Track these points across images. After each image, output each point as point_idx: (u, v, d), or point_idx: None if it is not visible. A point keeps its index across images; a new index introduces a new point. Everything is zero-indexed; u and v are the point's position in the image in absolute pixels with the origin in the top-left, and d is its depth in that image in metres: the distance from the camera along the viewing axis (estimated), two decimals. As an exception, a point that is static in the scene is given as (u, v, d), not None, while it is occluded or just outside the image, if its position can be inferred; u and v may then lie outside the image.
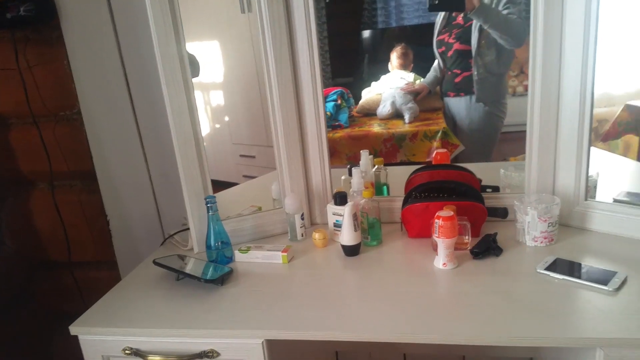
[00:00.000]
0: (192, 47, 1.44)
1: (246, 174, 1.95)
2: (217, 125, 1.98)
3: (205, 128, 1.95)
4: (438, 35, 1.87)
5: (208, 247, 1.29)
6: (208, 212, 1.27)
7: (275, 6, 1.27)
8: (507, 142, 1.87)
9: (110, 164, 1.63)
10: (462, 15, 1.78)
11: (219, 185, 1.97)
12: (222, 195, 1.62)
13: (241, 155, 1.94)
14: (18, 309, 1.80)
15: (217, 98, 1.90)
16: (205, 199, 1.27)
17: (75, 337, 1.08)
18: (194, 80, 1.73)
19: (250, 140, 1.91)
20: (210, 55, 1.73)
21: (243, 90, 1.85)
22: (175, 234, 1.48)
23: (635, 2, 1.21)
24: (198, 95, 1.88)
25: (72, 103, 1.59)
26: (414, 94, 2.03)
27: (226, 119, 1.94)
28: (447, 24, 1.83)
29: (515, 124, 1.79)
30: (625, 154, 1.79)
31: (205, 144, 1.93)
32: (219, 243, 1.29)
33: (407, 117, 1.98)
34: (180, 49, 1.23)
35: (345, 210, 1.24)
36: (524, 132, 1.32)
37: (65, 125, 1.63)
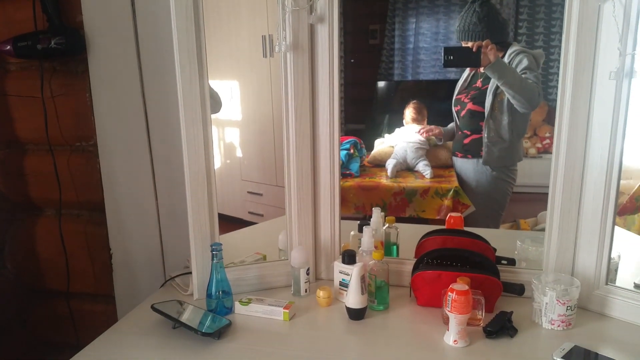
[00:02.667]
0: (213, 84, 1.45)
1: (252, 210, 1.93)
2: (228, 161, 1.98)
3: (216, 162, 1.96)
4: (457, 94, 1.86)
5: (209, 295, 1.25)
6: (212, 259, 1.23)
7: (301, 59, 1.27)
8: (518, 203, 1.82)
9: (120, 198, 1.61)
10: (481, 79, 1.78)
11: (223, 220, 1.95)
12: (227, 238, 1.59)
13: (249, 192, 1.93)
14: (9, 336, 1.75)
15: (232, 135, 1.90)
16: (211, 245, 1.24)
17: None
18: (213, 116, 1.75)
19: (259, 178, 1.91)
20: (229, 94, 1.75)
21: (258, 130, 1.85)
22: (176, 276, 1.44)
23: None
24: (213, 130, 1.90)
25: (89, 135, 1.59)
26: (425, 150, 2.01)
27: (238, 155, 1.94)
28: (468, 86, 1.83)
29: (526, 185, 1.75)
30: (641, 230, 1.73)
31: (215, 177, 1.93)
32: (220, 292, 1.25)
33: (427, 173, 1.95)
34: (203, 90, 1.23)
35: (354, 272, 1.19)
36: (535, 194, 1.27)
37: (80, 155, 1.63)
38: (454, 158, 1.92)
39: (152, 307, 1.20)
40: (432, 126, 1.93)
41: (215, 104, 1.60)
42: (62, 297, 1.75)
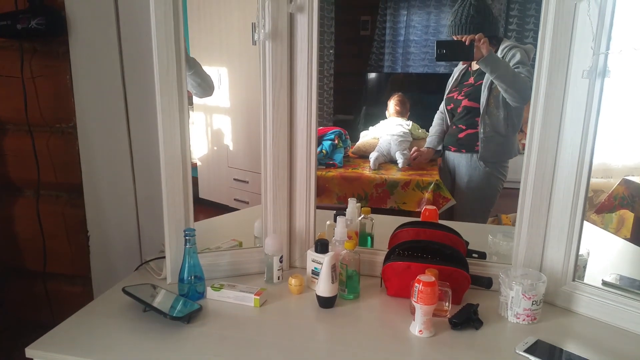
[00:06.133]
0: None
1: (238, 197, 1.94)
2: (215, 148, 1.98)
3: (203, 149, 1.96)
4: (448, 93, 1.87)
5: (181, 280, 1.25)
6: (185, 244, 1.24)
7: (280, 47, 1.27)
8: (503, 198, 1.84)
9: (98, 181, 1.61)
10: (473, 76, 1.78)
11: (209, 206, 1.95)
12: (206, 223, 1.60)
13: (235, 179, 1.94)
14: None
15: (219, 121, 1.90)
16: (185, 231, 1.24)
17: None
18: (202, 100, 1.74)
19: (245, 165, 1.91)
20: (217, 80, 1.74)
21: (246, 117, 1.85)
22: (150, 260, 1.44)
23: None
24: (200, 116, 1.90)
25: (68, 116, 1.58)
26: (409, 142, 2.02)
27: (225, 142, 1.94)
28: (459, 84, 1.83)
29: (511, 180, 1.77)
30: (618, 229, 1.76)
31: (200, 164, 1.93)
32: (192, 277, 1.25)
33: (400, 162, 1.96)
34: (180, 77, 1.23)
35: (325, 260, 1.20)
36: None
37: (59, 137, 1.62)
38: (446, 152, 1.92)
39: (124, 290, 1.20)
40: (423, 149, 1.94)
41: (208, 87, 1.60)
42: (39, 278, 1.76)
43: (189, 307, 1.17)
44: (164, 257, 1.35)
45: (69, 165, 1.63)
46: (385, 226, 1.47)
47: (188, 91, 1.55)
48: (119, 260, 1.67)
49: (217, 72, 1.74)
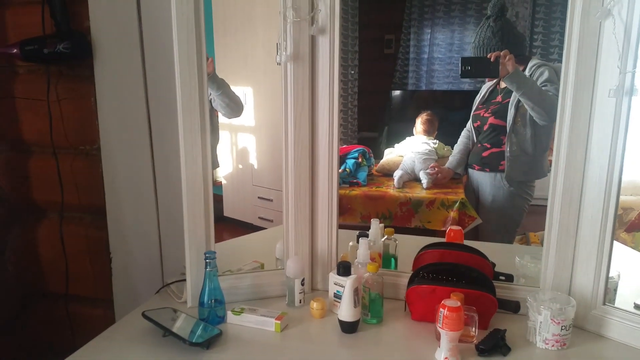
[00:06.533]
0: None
1: (262, 215, 1.94)
2: (240, 166, 1.99)
3: (227, 168, 1.97)
4: (475, 110, 1.84)
5: (201, 303, 1.24)
6: (206, 267, 1.23)
7: (301, 69, 1.27)
8: (532, 215, 1.80)
9: (121, 203, 1.62)
10: (501, 94, 1.76)
11: (233, 224, 1.95)
12: (228, 244, 1.60)
13: (259, 197, 1.94)
14: (9, 336, 1.76)
15: (244, 140, 1.92)
16: (205, 253, 1.24)
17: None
18: (230, 120, 1.75)
19: (270, 184, 1.92)
20: (243, 100, 1.76)
21: (270, 135, 1.86)
22: (171, 283, 1.44)
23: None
24: (226, 135, 1.91)
25: (93, 139, 1.60)
26: (434, 160, 2.00)
27: (250, 161, 1.95)
28: (486, 101, 1.81)
29: (540, 197, 1.72)
30: (650, 247, 1.70)
31: (225, 182, 1.93)
32: (213, 301, 1.24)
33: (425, 182, 1.94)
34: (202, 99, 1.24)
35: (347, 284, 1.18)
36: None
37: (83, 159, 1.64)
38: (470, 170, 1.89)
39: (143, 315, 1.20)
40: (445, 168, 1.92)
41: (237, 107, 1.61)
42: (61, 300, 1.77)
43: (209, 332, 1.16)
44: (185, 280, 1.35)
45: (92, 187, 1.64)
46: (409, 247, 1.44)
47: (215, 110, 1.57)
48: (141, 282, 1.66)
49: (242, 92, 1.76)
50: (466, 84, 1.96)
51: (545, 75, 1.57)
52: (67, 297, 1.75)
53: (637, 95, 1.10)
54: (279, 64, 1.28)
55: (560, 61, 1.17)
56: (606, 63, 1.10)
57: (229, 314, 1.25)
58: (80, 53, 1.52)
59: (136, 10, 1.47)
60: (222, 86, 1.45)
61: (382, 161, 2.12)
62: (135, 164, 1.58)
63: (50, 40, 1.48)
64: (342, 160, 2.02)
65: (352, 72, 2.10)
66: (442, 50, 2.15)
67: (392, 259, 1.47)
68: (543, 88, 1.57)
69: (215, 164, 1.33)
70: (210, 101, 1.24)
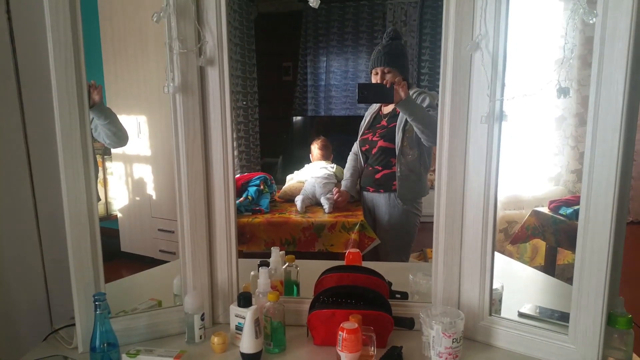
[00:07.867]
0: (120, 119, 1.39)
1: (163, 248, 1.86)
2: (137, 198, 1.89)
3: (123, 200, 1.87)
4: (362, 135, 1.94)
5: (92, 349, 1.16)
6: (95, 310, 1.16)
7: (191, 100, 1.25)
8: (427, 232, 1.90)
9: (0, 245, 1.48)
10: (385, 119, 1.86)
11: (132, 260, 1.85)
12: (123, 283, 1.51)
13: (159, 230, 1.86)
14: None
15: (140, 171, 1.83)
16: (94, 296, 1.16)
17: None
18: (120, 150, 1.67)
19: (170, 215, 1.83)
20: (137, 129, 1.69)
21: (168, 165, 1.79)
22: (60, 329, 1.33)
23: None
24: (119, 166, 1.82)
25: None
26: (333, 184, 2.06)
27: (148, 191, 1.87)
28: (371, 126, 1.91)
29: (431, 214, 1.83)
30: (533, 257, 1.86)
31: (121, 215, 1.83)
32: (105, 345, 1.16)
33: (326, 207, 1.99)
34: (85, 133, 1.17)
35: (247, 315, 1.17)
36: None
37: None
38: (365, 193, 1.98)
39: (26, 367, 1.10)
40: (344, 191, 1.99)
41: (123, 136, 1.54)
42: None
43: (102, 379, 1.09)
44: (74, 325, 1.25)
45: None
46: (312, 272, 1.46)
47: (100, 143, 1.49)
48: (27, 329, 1.52)
49: (136, 120, 1.69)
50: (362, 109, 2.05)
51: (427, 101, 1.70)
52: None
53: (506, 120, 1.20)
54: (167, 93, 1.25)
55: (437, 90, 1.26)
56: (477, 91, 1.20)
57: (124, 357, 1.18)
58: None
59: (9, 37, 1.37)
60: (109, 115, 1.39)
61: (284, 187, 2.14)
62: (14, 202, 1.46)
63: None
64: (244, 188, 2.01)
65: (252, 99, 2.11)
66: (338, 78, 2.24)
67: (294, 286, 1.47)
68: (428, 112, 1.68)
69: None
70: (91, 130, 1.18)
